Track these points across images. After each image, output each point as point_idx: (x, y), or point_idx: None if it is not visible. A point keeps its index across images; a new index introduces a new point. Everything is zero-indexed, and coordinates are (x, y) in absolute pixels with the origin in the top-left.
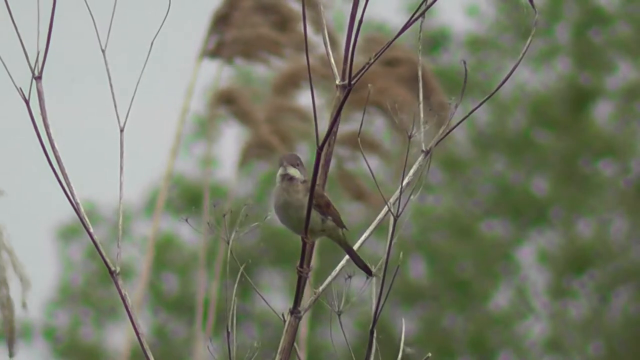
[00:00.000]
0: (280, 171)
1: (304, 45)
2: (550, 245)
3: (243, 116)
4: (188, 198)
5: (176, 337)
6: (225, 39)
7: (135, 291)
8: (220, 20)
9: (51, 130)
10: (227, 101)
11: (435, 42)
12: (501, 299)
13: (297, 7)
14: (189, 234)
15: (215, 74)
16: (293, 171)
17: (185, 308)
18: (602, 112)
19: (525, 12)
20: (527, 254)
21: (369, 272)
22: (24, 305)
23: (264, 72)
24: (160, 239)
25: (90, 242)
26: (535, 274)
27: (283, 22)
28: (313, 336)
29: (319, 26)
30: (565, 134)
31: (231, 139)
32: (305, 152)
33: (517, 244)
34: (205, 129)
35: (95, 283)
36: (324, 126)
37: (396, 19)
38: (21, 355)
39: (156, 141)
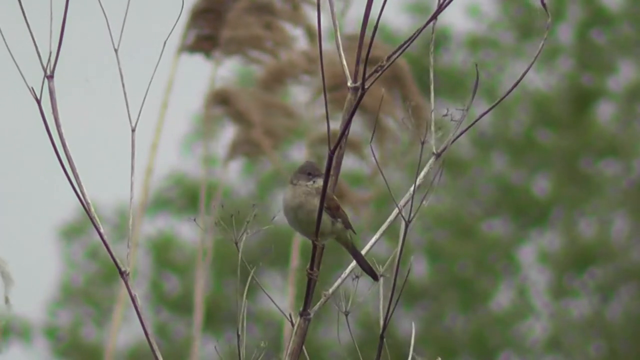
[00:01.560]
0: (310, 184)
1: (287, 42)
2: (552, 244)
3: (238, 116)
4: (189, 197)
5: (178, 337)
6: (204, 33)
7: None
8: (200, 15)
9: (62, 130)
10: (222, 101)
11: (436, 42)
12: (502, 298)
13: (284, 6)
14: (189, 233)
15: (211, 73)
16: (319, 183)
17: (186, 307)
18: (605, 113)
19: (538, 14)
20: (528, 254)
21: (374, 277)
22: (6, 301)
23: (256, 70)
24: (161, 238)
25: (92, 241)
26: (536, 274)
27: (269, 19)
28: (316, 336)
29: (298, 22)
30: (567, 133)
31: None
32: (291, 149)
33: (519, 243)
34: (204, 127)
35: (97, 282)
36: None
37: (396, 19)
38: (22, 354)
39: (161, 140)
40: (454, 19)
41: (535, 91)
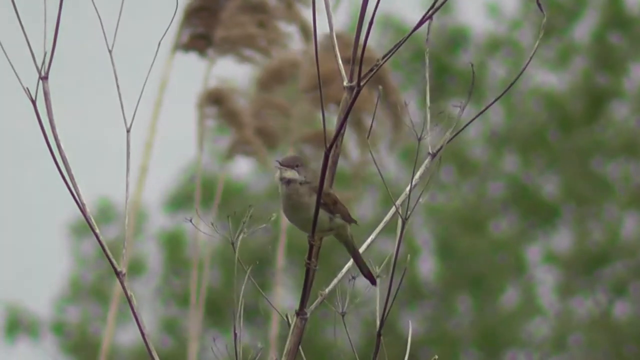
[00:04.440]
0: (277, 174)
1: (280, 41)
2: (560, 244)
3: (230, 117)
4: (205, 194)
5: (189, 333)
6: (198, 32)
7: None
8: (194, 13)
9: (57, 130)
10: (215, 101)
11: (455, 42)
12: (510, 297)
13: (278, 4)
14: (200, 230)
15: (205, 72)
16: (289, 174)
17: (197, 304)
18: (619, 112)
19: (542, 13)
20: (537, 253)
21: (372, 281)
22: None
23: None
24: (175, 234)
25: (102, 238)
26: (544, 273)
27: (263, 18)
28: (323, 336)
29: (292, 20)
30: (579, 133)
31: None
32: (287, 148)
33: (528, 242)
34: (198, 127)
35: (107, 279)
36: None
37: (414, 17)
38: (30, 350)
39: (175, 137)
40: (473, 19)
41: (549, 90)
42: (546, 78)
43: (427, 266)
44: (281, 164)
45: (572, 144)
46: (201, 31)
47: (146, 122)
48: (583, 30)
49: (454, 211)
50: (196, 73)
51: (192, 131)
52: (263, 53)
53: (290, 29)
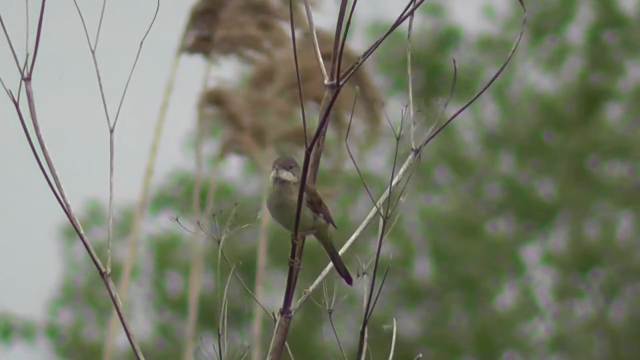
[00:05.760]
0: (272, 174)
1: (282, 41)
2: (557, 245)
3: (230, 118)
4: (192, 196)
5: (182, 336)
6: (203, 34)
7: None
8: (199, 16)
9: (41, 132)
10: (216, 102)
11: (447, 43)
12: (507, 298)
13: (278, 5)
14: (185, 228)
15: (205, 73)
16: (285, 175)
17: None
18: (613, 113)
19: (524, 8)
20: (533, 254)
21: (349, 281)
22: None
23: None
24: (164, 237)
25: (93, 241)
26: (540, 274)
27: (264, 18)
28: (317, 336)
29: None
30: (574, 134)
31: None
32: (278, 147)
33: (524, 244)
34: (198, 127)
35: (99, 282)
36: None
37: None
38: (24, 353)
39: (164, 138)
40: (466, 19)
41: (543, 92)
42: (540, 79)
43: (423, 268)
44: (279, 165)
45: (567, 145)
46: (206, 33)
47: (151, 124)
48: (577, 30)
49: (450, 213)
50: (197, 75)
51: (184, 133)
52: (264, 53)
53: (288, 29)
